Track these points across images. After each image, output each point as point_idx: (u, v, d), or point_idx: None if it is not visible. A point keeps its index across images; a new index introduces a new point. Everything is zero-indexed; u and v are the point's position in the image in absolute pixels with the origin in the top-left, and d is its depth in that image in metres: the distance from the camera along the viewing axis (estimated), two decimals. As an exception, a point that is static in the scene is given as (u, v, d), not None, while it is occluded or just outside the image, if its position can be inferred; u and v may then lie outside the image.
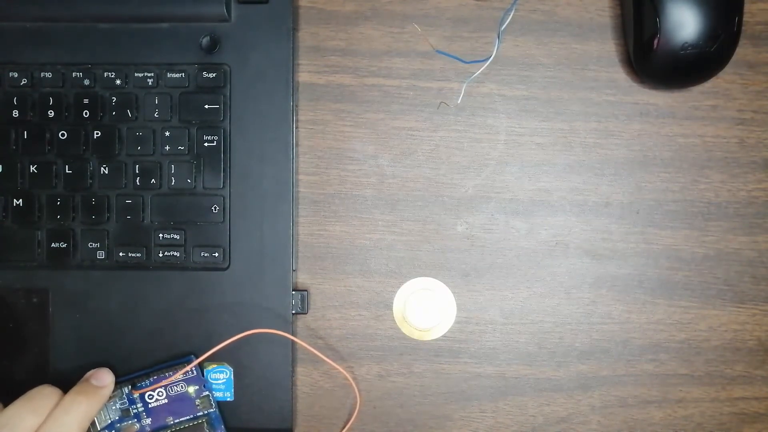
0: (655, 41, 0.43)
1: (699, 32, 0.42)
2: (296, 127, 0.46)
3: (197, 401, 0.43)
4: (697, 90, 0.46)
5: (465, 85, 0.46)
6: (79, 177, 0.44)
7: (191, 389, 0.43)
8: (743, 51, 0.46)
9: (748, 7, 0.45)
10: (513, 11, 0.45)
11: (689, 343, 0.46)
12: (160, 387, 0.43)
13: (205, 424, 0.43)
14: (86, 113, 0.44)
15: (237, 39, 0.45)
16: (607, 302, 0.46)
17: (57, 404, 0.39)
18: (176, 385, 0.43)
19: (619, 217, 0.46)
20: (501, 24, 0.45)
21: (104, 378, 0.41)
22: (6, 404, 0.39)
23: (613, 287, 0.46)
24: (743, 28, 0.44)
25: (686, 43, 0.42)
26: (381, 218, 0.46)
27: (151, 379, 0.43)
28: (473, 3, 0.46)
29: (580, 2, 0.46)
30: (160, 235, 0.44)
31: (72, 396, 0.40)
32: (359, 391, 0.46)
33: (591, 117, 0.46)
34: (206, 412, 0.43)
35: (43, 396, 0.39)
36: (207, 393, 0.43)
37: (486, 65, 0.46)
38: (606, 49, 0.47)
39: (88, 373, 0.42)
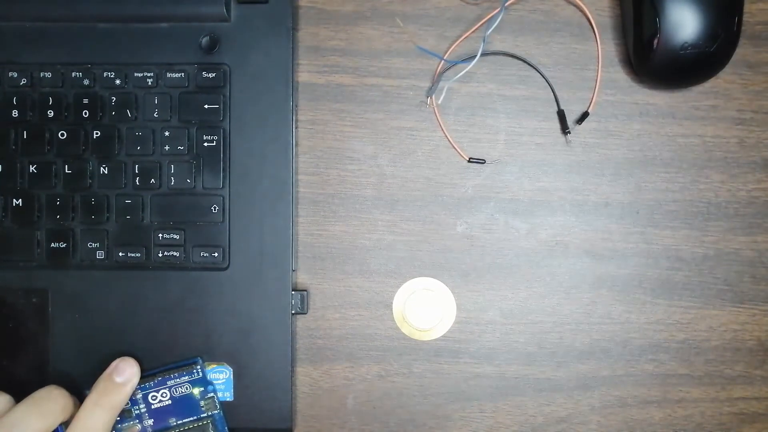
0: (655, 41, 0.43)
1: (699, 32, 0.42)
2: (296, 127, 0.46)
3: (202, 402, 0.43)
4: (697, 90, 0.46)
5: (448, 84, 0.46)
6: (78, 177, 0.44)
7: (196, 390, 0.43)
8: (743, 51, 0.46)
9: (748, 7, 0.45)
10: (502, 14, 0.44)
11: (689, 343, 0.46)
12: (165, 388, 0.43)
13: (210, 426, 0.43)
14: (86, 113, 0.44)
15: (237, 39, 0.45)
16: (607, 302, 0.46)
17: (74, 415, 0.39)
18: (181, 387, 0.43)
19: (619, 217, 0.46)
20: (488, 27, 0.45)
21: (127, 372, 0.41)
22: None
23: (613, 287, 0.46)
24: (743, 28, 0.44)
25: (686, 43, 0.42)
26: (381, 218, 0.46)
27: (156, 380, 0.43)
28: (473, 3, 0.46)
29: (580, 2, 0.46)
30: (160, 235, 0.44)
31: (90, 407, 0.39)
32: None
33: (591, 117, 0.46)
34: (211, 413, 0.43)
35: (50, 399, 0.39)
36: (212, 395, 0.43)
37: (472, 65, 0.46)
38: (606, 49, 0.47)
39: (113, 364, 0.41)
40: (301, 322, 0.46)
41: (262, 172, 0.44)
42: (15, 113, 0.44)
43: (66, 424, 0.40)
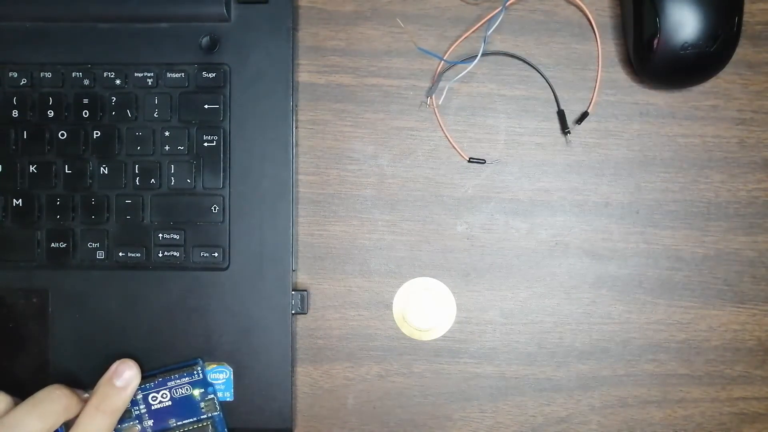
0: (655, 41, 0.43)
1: (699, 32, 0.42)
2: (296, 127, 0.46)
3: (202, 404, 0.43)
4: (697, 90, 0.46)
5: (448, 84, 0.46)
6: (78, 177, 0.44)
7: (196, 392, 0.43)
8: (743, 51, 0.46)
9: (748, 7, 0.45)
10: (502, 15, 0.45)
11: (689, 343, 0.46)
12: (165, 389, 0.43)
13: (210, 427, 0.43)
14: (86, 113, 0.44)
15: (237, 39, 0.45)
16: (607, 302, 0.46)
17: (76, 421, 0.39)
18: (181, 388, 0.43)
19: (619, 217, 0.46)
20: (488, 28, 0.45)
21: (127, 375, 0.41)
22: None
23: (613, 287, 0.46)
24: (743, 28, 0.44)
25: (686, 43, 0.42)
26: (381, 218, 0.46)
27: (156, 381, 0.43)
28: (474, 3, 0.46)
29: (580, 2, 0.46)
30: (160, 235, 0.44)
31: (91, 412, 0.39)
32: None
33: (591, 117, 0.46)
34: (210, 415, 0.43)
35: (51, 400, 0.39)
36: (212, 396, 0.43)
37: (472, 66, 0.46)
38: (606, 49, 0.47)
39: (112, 368, 0.41)
40: (301, 322, 0.46)
41: (262, 172, 0.44)
42: (15, 113, 0.44)
43: (68, 424, 0.40)
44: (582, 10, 0.46)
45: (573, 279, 0.46)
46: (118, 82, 0.45)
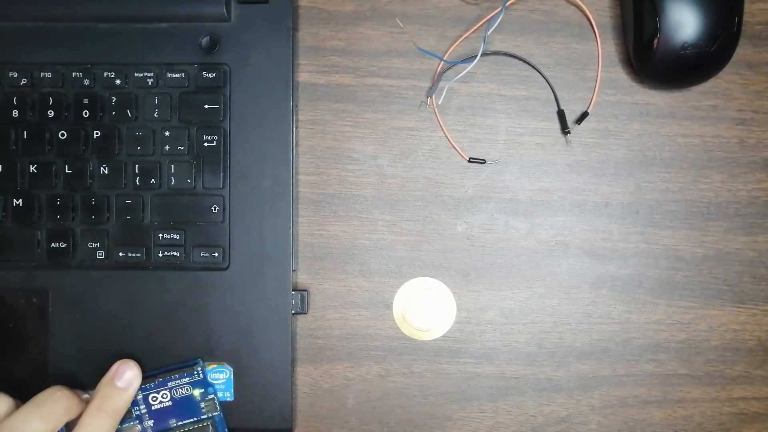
0: (655, 41, 0.43)
1: (699, 32, 0.42)
2: (296, 127, 0.46)
3: (202, 404, 0.43)
4: (697, 90, 0.46)
5: (448, 84, 0.46)
6: (78, 177, 0.44)
7: (196, 392, 0.43)
8: (743, 51, 0.46)
9: (748, 7, 0.45)
10: (502, 15, 0.45)
11: (689, 343, 0.46)
12: (165, 389, 0.43)
13: (210, 427, 0.43)
14: (86, 113, 0.44)
15: (237, 39, 0.45)
16: (607, 302, 0.46)
17: (78, 422, 0.39)
18: (181, 388, 0.43)
19: (619, 217, 0.46)
20: (488, 28, 0.45)
21: (128, 375, 0.41)
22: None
23: (613, 287, 0.46)
24: (743, 28, 0.44)
25: (686, 43, 0.42)
26: (381, 218, 0.46)
27: (157, 381, 0.43)
28: (474, 3, 0.46)
29: (580, 2, 0.46)
30: (160, 235, 0.44)
31: (93, 413, 0.39)
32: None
33: (591, 117, 0.46)
34: (211, 415, 0.43)
35: (54, 401, 0.39)
36: (212, 396, 0.43)
37: (472, 66, 0.46)
38: (606, 49, 0.47)
39: (113, 368, 0.41)
40: (301, 322, 0.46)
41: (262, 172, 0.44)
42: (15, 113, 0.44)
43: (69, 425, 0.40)
44: (582, 10, 0.46)
45: (573, 279, 0.46)
46: (118, 82, 0.45)
